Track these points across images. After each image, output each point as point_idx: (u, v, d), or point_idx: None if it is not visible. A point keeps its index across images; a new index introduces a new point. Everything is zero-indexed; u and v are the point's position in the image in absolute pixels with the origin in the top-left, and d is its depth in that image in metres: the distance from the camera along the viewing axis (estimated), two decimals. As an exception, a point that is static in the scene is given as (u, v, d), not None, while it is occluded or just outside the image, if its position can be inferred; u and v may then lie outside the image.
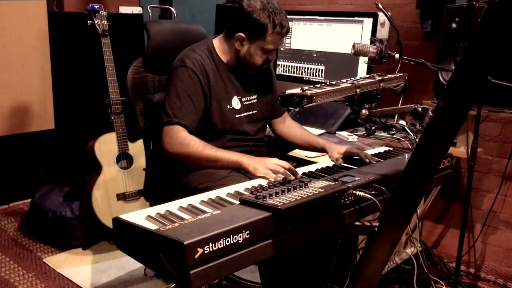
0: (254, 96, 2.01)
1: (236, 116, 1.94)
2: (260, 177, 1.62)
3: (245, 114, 1.97)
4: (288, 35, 2.94)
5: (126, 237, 1.21)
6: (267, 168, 1.61)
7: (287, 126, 2.16)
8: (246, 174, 1.91)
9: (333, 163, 1.78)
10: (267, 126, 2.16)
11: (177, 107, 1.81)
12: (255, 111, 2.01)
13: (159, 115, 1.87)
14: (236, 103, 1.94)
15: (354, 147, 1.90)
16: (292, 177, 1.55)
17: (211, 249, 1.06)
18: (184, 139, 1.78)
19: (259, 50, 1.86)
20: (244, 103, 1.97)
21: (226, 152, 1.76)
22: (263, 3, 1.82)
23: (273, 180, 1.56)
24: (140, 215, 1.24)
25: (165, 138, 1.80)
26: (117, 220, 1.22)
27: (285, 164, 1.61)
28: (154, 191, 2.17)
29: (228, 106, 1.92)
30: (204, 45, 1.94)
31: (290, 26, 2.92)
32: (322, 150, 1.98)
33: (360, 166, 1.70)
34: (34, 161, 3.47)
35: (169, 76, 1.90)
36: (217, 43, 1.95)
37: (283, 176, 1.56)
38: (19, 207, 3.40)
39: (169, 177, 2.04)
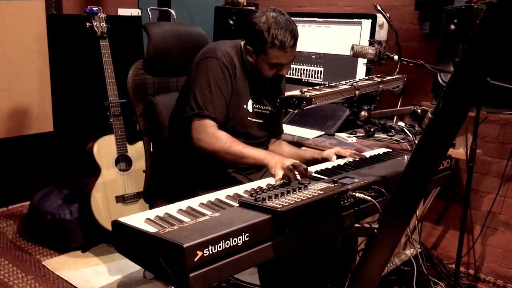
0: (267, 108, 2.03)
1: (248, 118, 1.96)
2: (262, 176, 1.63)
3: (255, 120, 1.99)
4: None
5: (125, 240, 1.21)
6: (281, 167, 1.62)
7: (277, 144, 2.19)
8: (247, 176, 1.92)
9: (332, 164, 1.78)
10: None
11: (208, 99, 1.82)
12: (262, 121, 2.02)
13: (184, 105, 1.86)
14: (250, 106, 1.96)
15: (346, 147, 1.93)
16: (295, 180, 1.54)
17: (210, 252, 1.06)
18: (212, 135, 1.79)
19: (264, 64, 1.88)
20: (255, 110, 1.99)
21: (251, 149, 1.78)
22: (268, 17, 1.83)
23: (276, 180, 1.56)
24: (139, 218, 1.24)
25: (194, 133, 1.81)
26: (116, 223, 1.21)
27: (300, 165, 1.59)
28: (154, 193, 2.17)
29: (245, 106, 1.94)
30: (233, 44, 1.96)
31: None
32: (312, 159, 1.99)
33: (359, 168, 1.70)
34: (33, 164, 3.46)
35: (195, 65, 1.89)
36: (243, 45, 1.96)
37: (285, 179, 1.56)
38: (18, 210, 3.39)
39: (169, 179, 2.04)
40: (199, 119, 1.81)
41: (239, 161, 1.80)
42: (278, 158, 1.68)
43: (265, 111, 2.02)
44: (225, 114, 1.88)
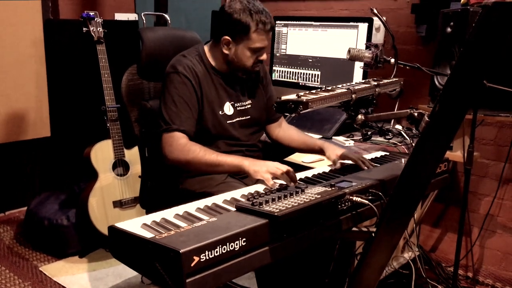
0: (249, 101, 2.01)
1: (228, 122, 1.94)
2: (258, 180, 1.61)
3: (237, 119, 1.97)
4: (283, 40, 2.96)
5: (122, 246, 1.20)
6: (267, 171, 1.60)
7: (283, 129, 2.15)
8: (242, 180, 1.91)
9: (329, 168, 1.77)
10: (263, 131, 2.16)
11: (174, 113, 1.81)
12: (249, 117, 2.01)
13: (156, 122, 1.86)
14: (228, 109, 1.95)
15: (351, 151, 1.89)
16: (292, 184, 1.54)
17: (207, 257, 1.05)
18: (184, 146, 1.78)
19: (246, 50, 1.85)
20: (238, 109, 1.97)
21: (227, 156, 1.76)
22: (243, 3, 1.82)
23: (270, 186, 1.55)
24: (136, 223, 1.23)
25: (165, 146, 1.80)
26: (112, 229, 1.21)
27: (285, 168, 1.60)
28: (150, 198, 2.16)
29: (220, 112, 1.93)
30: (195, 51, 1.95)
31: (286, 32, 2.94)
32: (320, 151, 1.97)
33: (357, 171, 1.70)
34: (30, 169, 3.45)
35: (162, 83, 1.90)
36: (207, 49, 1.96)
37: (279, 183, 1.56)
38: (15, 215, 3.38)
39: (165, 184, 2.03)
40: (167, 133, 1.81)
41: (214, 170, 1.77)
42: (258, 163, 1.66)
43: (247, 106, 2.01)
44: (194, 125, 1.86)
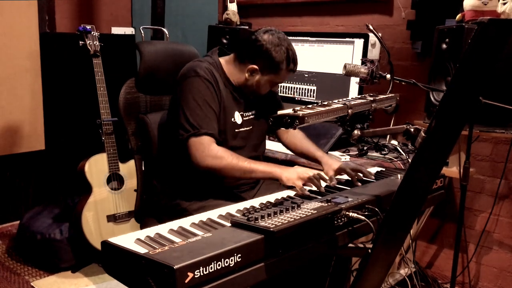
0: (252, 112, 2.03)
1: (236, 130, 1.96)
2: (290, 187, 1.69)
3: (244, 129, 1.99)
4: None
5: (115, 261, 1.18)
6: (298, 178, 1.65)
7: (291, 134, 2.16)
8: (240, 193, 1.90)
9: (325, 184, 1.77)
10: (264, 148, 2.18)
11: (200, 117, 1.81)
12: (251, 127, 2.01)
13: (177, 127, 1.84)
14: (238, 117, 1.96)
15: (349, 165, 1.88)
16: (322, 189, 1.62)
17: (201, 273, 1.04)
18: (216, 152, 1.78)
19: (268, 83, 1.91)
20: (244, 118, 1.99)
21: (259, 163, 1.79)
22: (280, 38, 1.86)
23: (300, 192, 1.63)
24: (129, 238, 1.22)
25: (196, 151, 1.79)
26: (105, 244, 1.19)
27: (312, 173, 1.66)
28: (145, 212, 2.14)
29: (232, 119, 1.94)
30: (210, 59, 1.96)
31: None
32: (316, 161, 2.01)
33: (352, 187, 1.69)
34: (24, 182, 3.42)
35: (178, 87, 1.88)
36: (224, 62, 1.97)
37: (309, 188, 1.64)
38: (8, 229, 3.34)
39: (160, 198, 2.02)
40: (196, 138, 1.79)
41: (247, 176, 1.80)
42: (291, 170, 1.70)
43: (251, 116, 2.02)
44: (218, 128, 1.87)
